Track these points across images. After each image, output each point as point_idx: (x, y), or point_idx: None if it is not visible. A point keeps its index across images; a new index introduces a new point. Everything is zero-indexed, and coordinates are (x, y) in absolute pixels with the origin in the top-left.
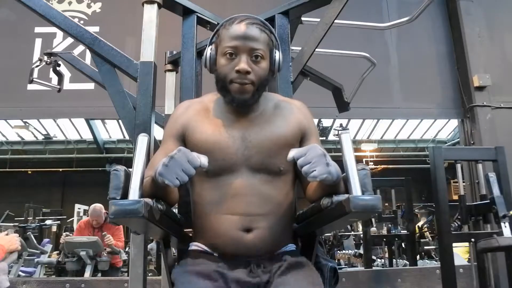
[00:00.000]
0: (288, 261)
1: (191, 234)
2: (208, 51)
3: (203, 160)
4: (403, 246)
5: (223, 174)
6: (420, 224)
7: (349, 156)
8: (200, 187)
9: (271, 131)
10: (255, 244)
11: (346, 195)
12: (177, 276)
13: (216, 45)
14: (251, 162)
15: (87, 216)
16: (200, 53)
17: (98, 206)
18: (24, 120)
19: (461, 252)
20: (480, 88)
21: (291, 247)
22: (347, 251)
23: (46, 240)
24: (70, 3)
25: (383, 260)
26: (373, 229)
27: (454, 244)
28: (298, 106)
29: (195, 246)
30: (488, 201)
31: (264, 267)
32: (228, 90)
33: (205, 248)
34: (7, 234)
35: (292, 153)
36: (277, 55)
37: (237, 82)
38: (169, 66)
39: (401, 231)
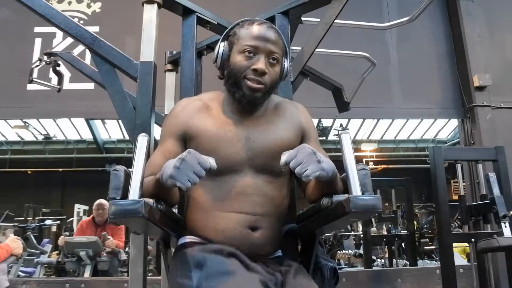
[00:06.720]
0: (294, 267)
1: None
2: (221, 47)
3: (212, 162)
4: (403, 246)
5: (227, 173)
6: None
7: (349, 156)
8: (201, 185)
9: (274, 132)
10: (262, 242)
11: (346, 195)
12: (195, 256)
13: (231, 43)
14: (255, 163)
15: (87, 216)
16: (200, 53)
17: (103, 200)
18: (24, 120)
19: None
20: (480, 88)
21: (279, 253)
22: (347, 251)
23: (46, 240)
24: (70, 3)
25: (383, 260)
26: (373, 229)
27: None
28: (298, 108)
29: (190, 239)
30: (488, 201)
31: (273, 268)
32: (241, 87)
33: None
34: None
35: (284, 157)
36: (286, 63)
37: (251, 80)
38: (169, 66)
39: (401, 231)
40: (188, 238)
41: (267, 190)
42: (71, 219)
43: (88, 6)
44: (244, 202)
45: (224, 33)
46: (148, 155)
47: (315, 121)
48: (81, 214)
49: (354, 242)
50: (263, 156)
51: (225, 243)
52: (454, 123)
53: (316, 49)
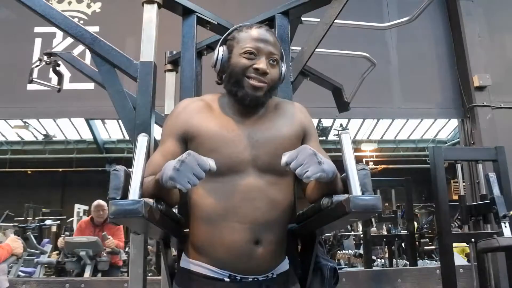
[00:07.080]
0: None
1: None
2: (220, 51)
3: (211, 163)
4: (403, 246)
5: (229, 174)
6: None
7: (349, 156)
8: (202, 188)
9: (277, 131)
10: (265, 258)
11: (346, 195)
12: None
13: (230, 46)
14: (258, 162)
15: (87, 216)
16: (200, 53)
17: (102, 201)
18: (24, 120)
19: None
20: (480, 88)
21: (286, 263)
22: (347, 251)
23: (46, 240)
24: (70, 3)
25: (383, 260)
26: (373, 229)
27: None
28: (298, 108)
29: (198, 266)
30: (488, 201)
31: None
32: (242, 86)
33: (213, 269)
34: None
35: (285, 158)
36: (284, 66)
37: (253, 78)
38: (169, 66)
39: (401, 231)
40: (192, 265)
41: (270, 193)
42: (71, 219)
43: (88, 6)
44: (246, 209)
45: (222, 38)
46: (148, 155)
47: (315, 121)
48: (81, 214)
49: (354, 242)
50: (267, 155)
51: (235, 263)
52: (454, 123)
53: (316, 49)
